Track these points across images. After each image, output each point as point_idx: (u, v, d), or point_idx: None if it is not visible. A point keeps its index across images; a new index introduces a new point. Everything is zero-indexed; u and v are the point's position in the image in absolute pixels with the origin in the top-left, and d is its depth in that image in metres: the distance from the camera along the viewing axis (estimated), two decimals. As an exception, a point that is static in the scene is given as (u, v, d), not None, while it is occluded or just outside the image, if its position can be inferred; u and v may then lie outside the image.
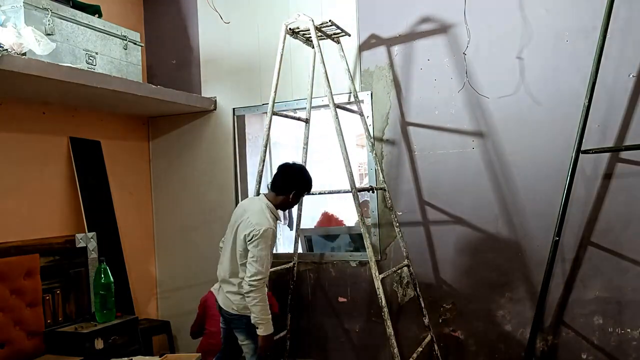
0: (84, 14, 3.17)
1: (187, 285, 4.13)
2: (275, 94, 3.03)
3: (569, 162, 2.72)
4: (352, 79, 3.28)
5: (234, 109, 3.95)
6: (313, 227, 4.58)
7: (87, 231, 3.52)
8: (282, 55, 3.07)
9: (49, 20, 2.91)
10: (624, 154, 2.87)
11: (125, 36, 3.45)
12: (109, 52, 3.32)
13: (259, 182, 3.11)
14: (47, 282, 3.26)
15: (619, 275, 2.90)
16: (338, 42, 3.21)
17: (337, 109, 2.89)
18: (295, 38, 3.14)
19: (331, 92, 2.80)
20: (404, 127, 3.38)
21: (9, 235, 3.13)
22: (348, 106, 3.38)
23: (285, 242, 4.78)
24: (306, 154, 3.46)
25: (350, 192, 2.73)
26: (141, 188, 4.19)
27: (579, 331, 3.00)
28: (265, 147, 3.04)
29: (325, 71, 2.78)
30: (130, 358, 3.08)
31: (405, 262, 3.17)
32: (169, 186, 4.20)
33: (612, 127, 2.89)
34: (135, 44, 3.53)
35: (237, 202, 3.94)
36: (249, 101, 3.89)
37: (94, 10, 3.30)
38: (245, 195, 4.00)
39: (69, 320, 3.35)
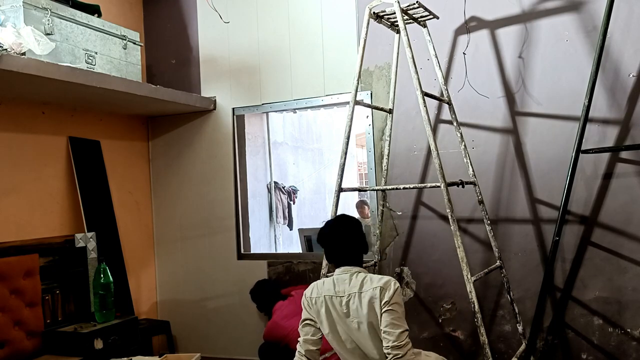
0: (84, 14, 3.17)
1: (187, 285, 4.12)
2: (358, 83, 2.81)
3: (569, 162, 2.72)
4: (440, 66, 3.02)
5: (233, 108, 3.95)
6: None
7: (86, 231, 3.52)
8: (365, 40, 2.83)
9: (48, 19, 2.90)
10: (624, 154, 2.87)
11: (124, 36, 3.45)
12: (108, 52, 3.31)
13: (341, 176, 2.84)
14: (47, 282, 3.25)
15: (619, 275, 2.90)
16: (425, 25, 3.05)
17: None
18: (380, 22, 2.98)
19: (418, 79, 2.59)
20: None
21: (8, 235, 3.13)
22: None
23: (286, 242, 4.79)
24: (389, 146, 3.30)
25: (439, 186, 2.54)
26: (141, 188, 4.19)
27: (579, 331, 2.99)
28: (348, 138, 2.80)
29: (413, 56, 2.61)
30: (130, 358, 3.08)
31: (498, 263, 2.98)
32: (168, 186, 4.20)
33: (612, 127, 2.89)
34: (134, 43, 3.53)
35: (236, 202, 3.95)
36: (248, 101, 3.89)
37: (94, 10, 3.29)
38: (244, 194, 4.00)
39: (68, 320, 3.35)
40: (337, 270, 2.25)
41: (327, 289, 2.21)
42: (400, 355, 2.01)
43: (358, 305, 2.12)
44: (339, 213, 2.54)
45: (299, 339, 2.26)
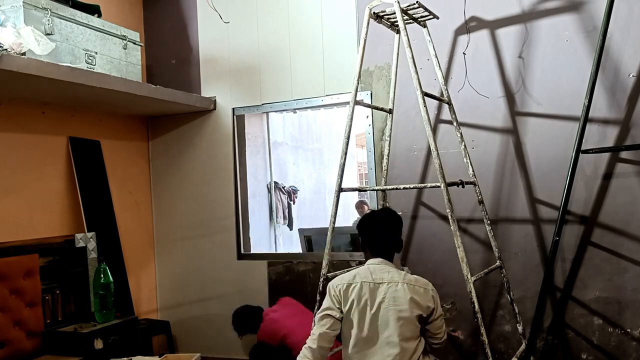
0: (84, 14, 3.17)
1: (187, 285, 4.12)
2: (358, 83, 2.80)
3: (569, 162, 2.72)
4: (440, 66, 3.01)
5: (233, 108, 3.95)
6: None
7: (86, 231, 3.52)
8: (365, 40, 2.82)
9: (48, 20, 2.90)
10: (624, 154, 2.87)
11: (124, 36, 3.45)
12: (108, 52, 3.31)
13: (341, 176, 2.84)
14: (47, 282, 3.25)
15: (619, 275, 2.90)
16: (425, 25, 3.05)
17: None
18: (380, 22, 2.97)
19: (418, 79, 2.59)
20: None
21: (8, 235, 3.13)
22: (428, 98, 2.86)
23: (286, 242, 4.79)
24: (389, 146, 3.29)
25: (439, 186, 2.54)
26: (141, 188, 4.19)
27: (579, 331, 2.99)
28: (348, 138, 2.79)
29: (412, 56, 2.60)
30: (130, 358, 3.08)
31: (498, 263, 2.98)
32: (168, 186, 4.20)
33: (612, 127, 2.89)
34: (134, 43, 3.53)
35: (236, 202, 3.95)
36: (248, 101, 3.89)
37: (94, 10, 3.30)
38: (244, 194, 4.00)
39: (68, 320, 3.35)
40: (373, 261, 2.29)
41: (363, 276, 2.23)
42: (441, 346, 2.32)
43: (400, 294, 2.16)
44: (379, 208, 2.54)
45: (313, 332, 2.22)
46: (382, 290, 2.18)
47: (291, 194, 5.12)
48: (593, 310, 2.96)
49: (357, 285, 2.20)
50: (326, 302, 2.25)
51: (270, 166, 4.38)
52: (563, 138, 2.97)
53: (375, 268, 2.25)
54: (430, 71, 3.12)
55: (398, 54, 3.19)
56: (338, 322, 2.22)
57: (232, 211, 3.96)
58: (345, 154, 2.80)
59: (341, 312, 2.21)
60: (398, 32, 3.13)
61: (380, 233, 2.34)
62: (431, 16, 2.95)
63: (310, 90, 3.67)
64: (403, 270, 2.46)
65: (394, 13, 2.81)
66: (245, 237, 4.00)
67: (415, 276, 2.26)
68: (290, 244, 4.93)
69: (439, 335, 2.28)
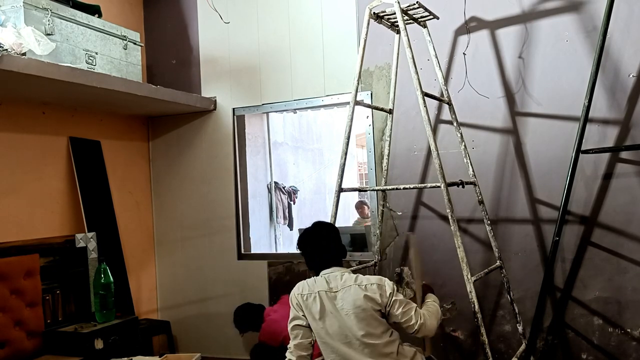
0: (84, 14, 3.17)
1: (187, 285, 4.12)
2: (358, 83, 2.80)
3: (569, 162, 2.72)
4: (440, 66, 3.01)
5: (233, 109, 3.96)
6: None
7: (87, 231, 3.52)
8: (365, 41, 2.82)
9: (48, 20, 2.91)
10: (624, 154, 2.87)
11: (125, 36, 3.45)
12: (108, 52, 3.32)
13: (341, 177, 2.84)
14: (47, 282, 3.26)
15: (619, 275, 2.90)
16: (425, 26, 3.05)
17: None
18: (380, 23, 2.98)
19: (419, 79, 2.59)
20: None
21: (9, 235, 3.13)
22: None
23: (286, 242, 4.79)
24: (389, 146, 3.28)
25: (439, 186, 2.54)
26: (141, 188, 4.19)
27: (579, 331, 3.00)
28: (348, 138, 2.79)
29: (413, 57, 2.61)
30: (130, 358, 3.08)
31: (498, 263, 2.98)
32: (169, 186, 4.20)
33: (612, 127, 2.89)
34: (135, 43, 3.53)
35: (237, 202, 3.95)
36: (248, 101, 3.89)
37: (94, 10, 3.30)
38: (245, 194, 4.00)
39: (68, 320, 3.35)
40: (327, 270, 2.30)
41: (320, 285, 2.26)
42: (420, 333, 2.23)
43: (353, 296, 2.17)
44: (310, 226, 2.50)
45: (289, 345, 2.28)
46: (339, 297, 2.20)
47: (291, 194, 5.12)
48: (593, 310, 2.96)
49: (316, 295, 2.24)
50: (292, 312, 2.31)
51: (271, 166, 4.38)
52: (563, 138, 2.98)
53: (330, 277, 2.27)
54: (431, 71, 3.12)
55: (398, 54, 3.19)
56: (308, 329, 2.28)
57: (232, 211, 3.96)
58: (346, 154, 2.80)
59: (307, 318, 2.27)
60: (398, 32, 3.13)
61: (319, 254, 2.33)
62: (431, 16, 2.95)
63: (311, 91, 3.67)
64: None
65: (394, 13, 2.81)
66: (246, 237, 4.00)
67: (367, 276, 2.27)
68: (291, 244, 4.93)
69: (411, 323, 2.20)
